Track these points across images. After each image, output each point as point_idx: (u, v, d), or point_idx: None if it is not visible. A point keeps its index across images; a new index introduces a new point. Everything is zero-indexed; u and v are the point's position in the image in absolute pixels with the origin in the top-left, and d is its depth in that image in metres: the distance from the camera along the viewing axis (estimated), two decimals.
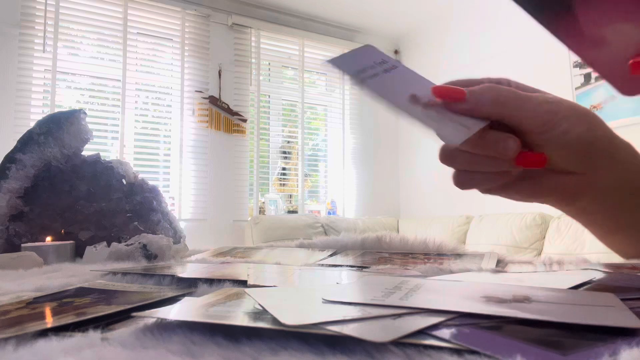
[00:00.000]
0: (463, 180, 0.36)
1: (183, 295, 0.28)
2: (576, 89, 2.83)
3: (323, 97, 4.11)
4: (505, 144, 0.32)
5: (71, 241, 0.61)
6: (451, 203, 3.60)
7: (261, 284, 0.31)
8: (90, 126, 0.71)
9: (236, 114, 3.53)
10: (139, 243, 0.55)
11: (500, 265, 0.43)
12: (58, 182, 0.65)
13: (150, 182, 0.71)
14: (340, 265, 0.44)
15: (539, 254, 2.64)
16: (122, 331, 0.20)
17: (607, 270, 0.33)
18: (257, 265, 0.45)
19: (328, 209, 3.96)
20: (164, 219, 0.69)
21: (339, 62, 0.38)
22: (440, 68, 3.91)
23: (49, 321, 0.23)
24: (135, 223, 0.65)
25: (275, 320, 0.18)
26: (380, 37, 4.27)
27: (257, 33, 3.67)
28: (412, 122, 0.35)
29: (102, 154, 0.70)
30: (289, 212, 3.79)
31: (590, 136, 0.34)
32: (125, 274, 0.39)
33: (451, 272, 0.37)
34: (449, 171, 0.37)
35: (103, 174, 0.68)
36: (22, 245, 0.57)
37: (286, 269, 0.41)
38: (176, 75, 3.35)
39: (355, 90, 4.08)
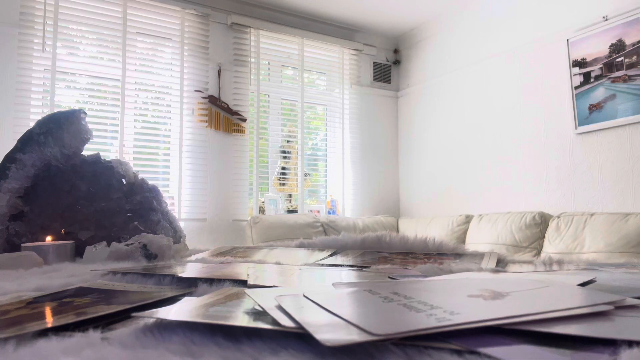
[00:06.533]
0: None
1: (183, 295, 0.28)
2: (575, 88, 2.83)
3: (323, 97, 4.10)
4: None
5: (71, 241, 0.60)
6: (451, 203, 3.59)
7: (261, 284, 0.31)
8: (90, 126, 0.71)
9: (236, 113, 3.53)
10: (139, 243, 0.55)
11: (501, 265, 0.43)
12: (58, 182, 0.65)
13: (150, 182, 0.71)
14: (340, 265, 0.44)
15: (539, 253, 2.64)
16: (122, 331, 0.20)
17: (607, 270, 0.33)
18: (257, 265, 0.45)
19: (328, 208, 3.96)
20: (163, 218, 0.69)
21: None
22: (440, 67, 3.91)
23: (49, 321, 0.23)
24: (135, 223, 0.65)
25: (274, 321, 0.18)
26: (380, 37, 4.27)
27: (256, 32, 3.67)
28: None
29: (102, 153, 0.70)
30: (289, 211, 3.79)
31: None
32: (125, 273, 0.39)
33: (451, 271, 0.37)
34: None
35: (103, 174, 0.68)
36: (22, 245, 0.57)
37: (286, 268, 0.41)
38: (175, 75, 3.35)
39: (355, 91, 4.08)
